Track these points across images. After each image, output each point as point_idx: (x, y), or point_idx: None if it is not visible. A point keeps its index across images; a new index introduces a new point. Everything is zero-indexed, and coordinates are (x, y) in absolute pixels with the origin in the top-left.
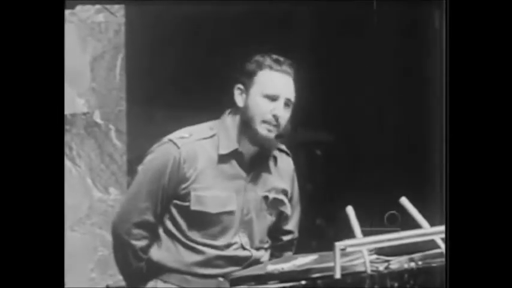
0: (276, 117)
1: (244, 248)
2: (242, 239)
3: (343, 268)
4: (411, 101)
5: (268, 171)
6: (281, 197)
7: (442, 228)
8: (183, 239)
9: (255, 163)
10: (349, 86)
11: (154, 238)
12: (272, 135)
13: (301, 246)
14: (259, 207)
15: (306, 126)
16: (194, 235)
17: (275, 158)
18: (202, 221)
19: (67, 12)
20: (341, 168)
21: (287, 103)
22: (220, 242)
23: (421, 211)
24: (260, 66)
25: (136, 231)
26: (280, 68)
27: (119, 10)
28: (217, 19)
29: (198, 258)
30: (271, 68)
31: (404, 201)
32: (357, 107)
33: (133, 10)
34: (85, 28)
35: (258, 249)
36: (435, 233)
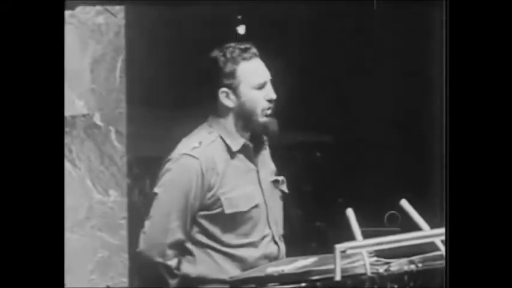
0: (270, 100)
1: (274, 241)
2: (273, 228)
3: (343, 270)
4: (411, 101)
5: (266, 156)
6: (282, 177)
7: (442, 230)
8: (219, 247)
9: (256, 152)
10: (349, 87)
11: (184, 253)
12: (270, 118)
13: (301, 249)
14: (272, 193)
15: (306, 128)
16: (229, 239)
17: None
18: (235, 222)
19: (67, 14)
20: (341, 170)
21: (270, 82)
22: (254, 237)
23: (421, 213)
24: (235, 61)
25: (169, 251)
26: (251, 54)
27: (119, 12)
28: (217, 20)
29: (236, 264)
30: (244, 58)
31: (404, 203)
32: (356, 107)
33: (134, 11)
34: (85, 30)
35: (282, 239)
36: (435, 235)
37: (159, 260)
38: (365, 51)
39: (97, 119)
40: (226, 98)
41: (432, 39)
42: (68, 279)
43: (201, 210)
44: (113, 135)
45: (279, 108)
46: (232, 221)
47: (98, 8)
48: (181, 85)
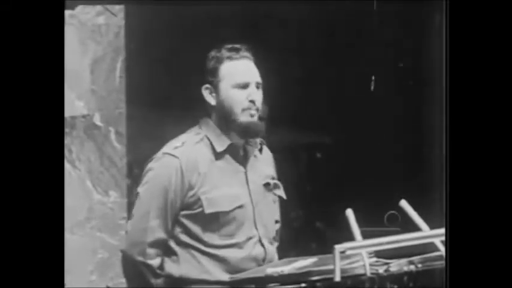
0: (253, 101)
1: (261, 243)
2: (260, 229)
3: (342, 271)
4: (411, 101)
5: (258, 160)
6: (274, 181)
7: (442, 230)
8: (202, 247)
9: (247, 155)
10: (348, 87)
11: (168, 253)
12: (255, 118)
13: (301, 249)
14: (264, 196)
15: (306, 129)
16: (212, 239)
17: (261, 147)
18: (218, 222)
19: (67, 14)
20: (341, 171)
21: (258, 86)
22: (238, 238)
23: (420, 214)
24: (220, 60)
25: (150, 250)
26: (239, 55)
27: (119, 12)
28: (217, 20)
29: (219, 264)
30: (230, 58)
31: (404, 204)
32: (356, 108)
33: (133, 12)
34: (85, 30)
35: (271, 242)
36: (435, 236)
37: (140, 258)
38: (365, 51)
39: (97, 120)
40: (209, 95)
41: (432, 39)
42: (68, 280)
43: (183, 209)
44: (112, 136)
45: (277, 109)
46: (215, 221)
47: (98, 8)
48: (181, 85)
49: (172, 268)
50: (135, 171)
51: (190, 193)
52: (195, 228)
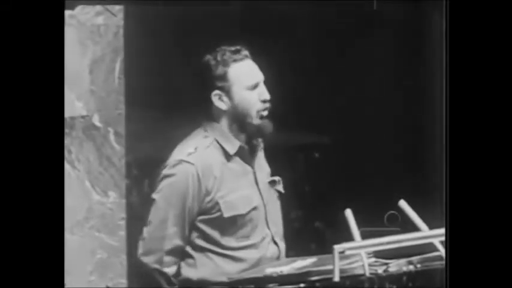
0: (265, 101)
1: (274, 241)
2: (272, 228)
3: (342, 271)
4: (411, 101)
5: (261, 157)
6: (278, 178)
7: (441, 231)
8: (220, 250)
9: (252, 154)
10: (348, 87)
11: (184, 258)
12: (265, 120)
13: (300, 249)
14: (270, 194)
15: (304, 129)
16: (229, 241)
17: (262, 145)
18: (235, 225)
19: (66, 14)
20: (339, 171)
21: (264, 84)
22: (254, 239)
23: (420, 214)
24: (226, 63)
25: (167, 258)
26: (242, 56)
27: (118, 12)
28: (216, 20)
29: (237, 265)
30: (236, 60)
31: (403, 204)
32: (356, 108)
33: (133, 12)
34: (84, 31)
35: (282, 239)
36: (434, 236)
37: (156, 266)
38: (364, 51)
39: (96, 120)
40: (219, 101)
41: (432, 40)
42: (68, 280)
43: (200, 214)
44: (111, 137)
45: (276, 109)
46: (232, 224)
47: (98, 8)
48: (180, 86)
49: (190, 272)
50: (134, 172)
51: (208, 198)
52: (213, 233)
